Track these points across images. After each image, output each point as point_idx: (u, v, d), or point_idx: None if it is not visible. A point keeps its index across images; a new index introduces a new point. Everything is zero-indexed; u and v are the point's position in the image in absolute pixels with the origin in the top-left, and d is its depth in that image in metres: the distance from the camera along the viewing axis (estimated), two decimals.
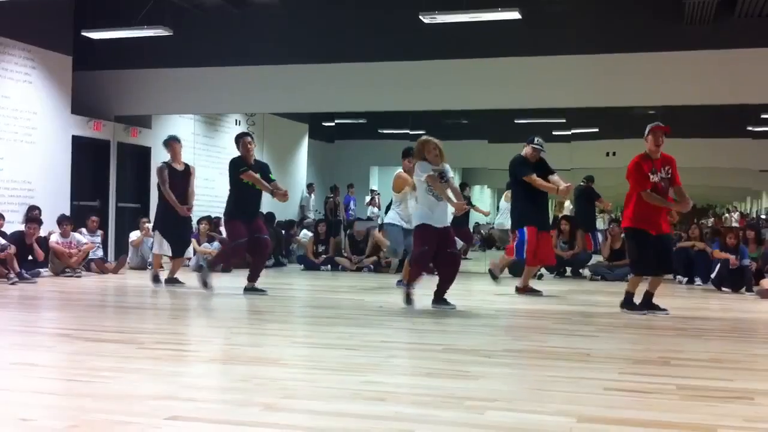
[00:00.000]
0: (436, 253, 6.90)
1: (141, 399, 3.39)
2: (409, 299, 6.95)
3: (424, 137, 7.09)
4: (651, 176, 6.64)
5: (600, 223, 19.42)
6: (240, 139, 8.39)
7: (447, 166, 7.06)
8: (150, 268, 11.17)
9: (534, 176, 8.14)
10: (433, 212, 6.86)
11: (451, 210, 7.04)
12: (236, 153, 8.47)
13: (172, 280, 8.99)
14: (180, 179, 8.91)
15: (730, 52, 10.11)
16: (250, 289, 8.16)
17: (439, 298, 6.98)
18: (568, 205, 16.30)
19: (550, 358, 4.62)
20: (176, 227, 8.94)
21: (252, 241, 8.14)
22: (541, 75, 10.83)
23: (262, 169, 8.33)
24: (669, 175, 6.73)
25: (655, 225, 6.66)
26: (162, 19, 10.49)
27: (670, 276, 11.11)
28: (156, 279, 9.03)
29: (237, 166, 8.20)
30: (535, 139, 8.37)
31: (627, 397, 3.56)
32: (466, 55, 11.00)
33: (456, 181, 9.45)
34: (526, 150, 8.37)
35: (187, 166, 9.15)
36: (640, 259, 6.78)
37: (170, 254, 9.07)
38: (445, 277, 7.04)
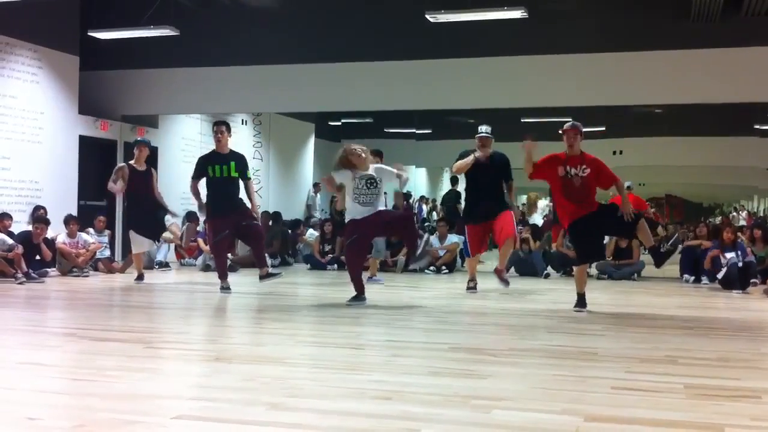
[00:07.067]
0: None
1: (147, 398, 3.40)
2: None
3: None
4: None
5: None
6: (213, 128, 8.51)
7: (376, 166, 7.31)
8: (157, 267, 11.26)
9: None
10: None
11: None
12: (242, 152, 8.50)
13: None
14: (140, 179, 9.32)
15: (736, 50, 10.08)
16: (264, 276, 8.24)
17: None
18: (542, 204, 16.13)
19: (556, 357, 4.62)
20: (144, 218, 9.32)
21: (241, 230, 8.22)
22: (547, 74, 10.81)
23: (236, 161, 8.27)
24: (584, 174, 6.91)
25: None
26: (168, 19, 10.50)
27: (677, 275, 11.11)
28: (140, 278, 9.32)
29: (195, 168, 8.39)
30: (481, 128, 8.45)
31: (634, 396, 3.55)
32: (471, 54, 10.99)
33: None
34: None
35: (148, 168, 9.49)
36: None
37: (148, 247, 9.85)
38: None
